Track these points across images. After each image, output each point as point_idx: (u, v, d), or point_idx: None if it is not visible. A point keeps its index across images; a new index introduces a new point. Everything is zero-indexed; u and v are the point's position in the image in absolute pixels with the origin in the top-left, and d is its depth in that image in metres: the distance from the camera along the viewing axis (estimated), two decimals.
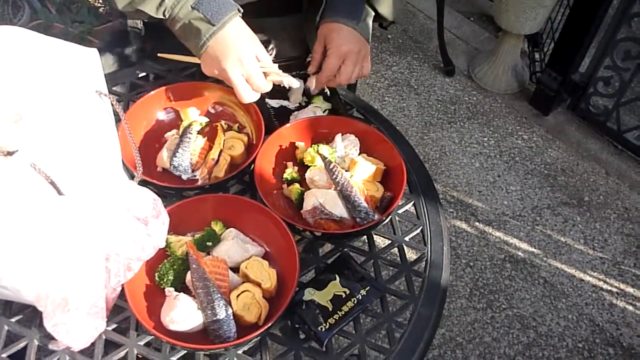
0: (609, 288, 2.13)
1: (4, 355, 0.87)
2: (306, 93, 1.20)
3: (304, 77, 1.18)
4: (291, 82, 1.07)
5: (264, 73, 1.04)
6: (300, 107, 1.20)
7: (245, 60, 1.00)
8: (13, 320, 0.91)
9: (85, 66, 0.87)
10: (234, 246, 0.95)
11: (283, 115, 1.18)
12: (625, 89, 2.38)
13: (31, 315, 0.91)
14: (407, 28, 3.11)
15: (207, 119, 1.15)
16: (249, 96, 1.04)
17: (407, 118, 2.68)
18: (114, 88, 1.25)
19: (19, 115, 0.88)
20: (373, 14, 1.18)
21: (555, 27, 2.59)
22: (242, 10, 1.03)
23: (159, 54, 1.13)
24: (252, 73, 1.01)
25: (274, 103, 1.20)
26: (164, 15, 1.02)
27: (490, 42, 2.97)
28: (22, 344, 0.88)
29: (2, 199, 0.72)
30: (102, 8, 2.25)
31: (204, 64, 1.05)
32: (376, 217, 0.98)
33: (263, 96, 1.09)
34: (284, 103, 1.21)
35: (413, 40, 3.06)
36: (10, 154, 0.77)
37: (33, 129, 0.85)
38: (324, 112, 1.18)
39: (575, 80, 2.54)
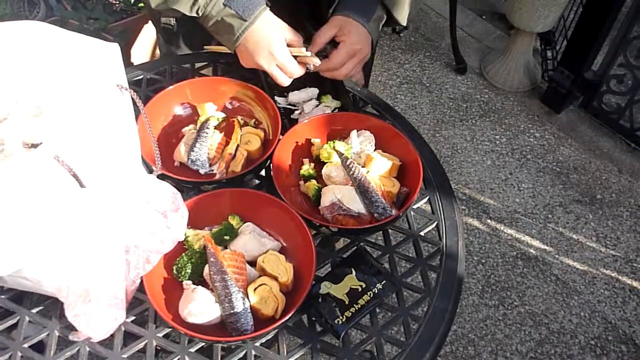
0: (622, 285, 2.12)
1: (25, 346, 0.88)
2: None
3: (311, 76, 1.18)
4: (315, 62, 1.12)
5: (296, 57, 1.10)
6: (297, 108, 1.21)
7: (276, 52, 1.07)
8: (34, 311, 0.92)
9: (106, 60, 0.88)
10: (251, 240, 0.95)
11: (291, 114, 1.20)
12: (638, 86, 2.37)
13: (51, 307, 0.92)
14: (419, 26, 3.11)
15: (224, 115, 1.16)
16: (286, 80, 1.12)
17: (419, 116, 2.68)
18: (131, 83, 1.26)
19: (41, 108, 0.89)
20: (385, 18, 1.18)
21: (568, 25, 2.58)
22: (269, 4, 1.07)
23: (205, 46, 1.21)
24: (284, 63, 1.08)
25: (282, 102, 1.21)
26: (197, 13, 1.06)
27: (502, 40, 2.96)
28: (43, 335, 0.90)
29: (25, 190, 0.73)
30: (117, 5, 2.27)
31: (241, 58, 1.12)
32: (393, 212, 0.99)
33: (272, 94, 1.16)
34: (292, 102, 1.21)
35: (425, 38, 3.05)
36: (34, 146, 0.78)
37: (56, 122, 0.86)
38: (333, 110, 1.19)
39: (588, 78, 2.53)
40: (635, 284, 2.13)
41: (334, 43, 1.14)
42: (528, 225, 2.29)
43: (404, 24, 1.20)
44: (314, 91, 1.21)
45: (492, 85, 2.82)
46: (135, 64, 1.66)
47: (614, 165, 2.50)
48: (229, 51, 1.13)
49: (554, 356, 1.94)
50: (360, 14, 1.12)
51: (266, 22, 1.07)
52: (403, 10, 1.16)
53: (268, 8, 1.07)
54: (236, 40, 1.07)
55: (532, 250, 2.22)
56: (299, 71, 1.11)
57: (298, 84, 1.17)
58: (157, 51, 1.90)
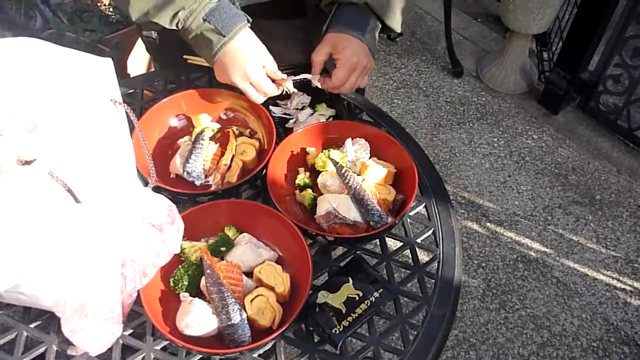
0: (623, 286, 2.12)
1: None
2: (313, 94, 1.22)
3: (305, 85, 1.19)
4: (289, 88, 1.13)
5: (271, 78, 1.10)
6: (291, 115, 1.21)
7: (250, 72, 1.06)
8: (32, 326, 0.92)
9: (100, 75, 0.89)
10: (247, 251, 0.96)
11: (286, 123, 1.20)
12: (635, 86, 2.37)
13: (49, 321, 0.92)
14: (415, 30, 3.12)
15: (219, 125, 1.16)
16: (259, 98, 1.11)
17: (416, 120, 2.69)
18: (125, 96, 1.26)
19: (35, 124, 0.90)
20: (380, 26, 1.18)
21: (563, 26, 2.58)
22: (250, 21, 1.07)
23: (184, 56, 1.20)
24: (257, 82, 1.08)
25: (277, 111, 1.21)
26: (177, 26, 1.06)
27: (498, 43, 2.96)
28: (41, 350, 0.90)
29: (20, 206, 0.73)
30: (113, 17, 2.27)
31: (217, 73, 1.10)
32: (389, 220, 0.99)
33: (267, 104, 1.15)
34: (287, 111, 1.22)
35: (421, 42, 3.06)
36: (28, 162, 0.79)
37: (49, 137, 0.86)
38: (328, 119, 1.19)
39: (585, 79, 2.53)
40: (636, 284, 2.13)
41: (332, 61, 1.14)
42: (528, 227, 2.29)
43: (399, 31, 1.20)
44: (306, 98, 1.21)
45: (489, 88, 2.82)
46: (131, 75, 1.67)
47: (613, 166, 2.50)
48: (206, 64, 1.13)
49: (556, 359, 1.94)
50: (354, 27, 1.12)
51: (244, 39, 1.06)
52: (395, 17, 1.16)
53: (248, 25, 1.07)
54: (214, 55, 1.06)
55: (532, 253, 2.22)
56: (273, 91, 1.10)
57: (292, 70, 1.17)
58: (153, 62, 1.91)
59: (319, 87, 1.15)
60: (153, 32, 1.32)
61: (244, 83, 1.08)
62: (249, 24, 1.07)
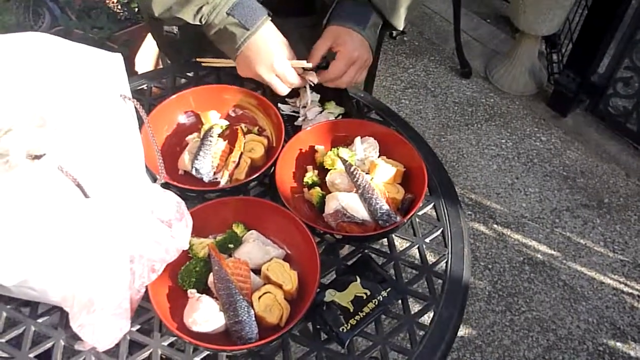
0: (630, 291, 2.11)
1: (31, 356, 0.89)
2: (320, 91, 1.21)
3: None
4: (312, 80, 1.14)
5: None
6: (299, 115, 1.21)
7: (277, 64, 1.08)
8: (39, 321, 0.92)
9: (110, 70, 0.89)
10: (255, 248, 0.95)
11: (294, 121, 1.20)
12: None
13: (57, 317, 0.92)
14: (423, 30, 3.11)
15: (227, 122, 1.16)
16: (284, 89, 1.12)
17: (424, 120, 2.68)
18: (134, 92, 1.26)
19: (45, 119, 0.90)
20: (381, 23, 1.18)
21: (574, 28, 2.57)
22: (271, 15, 1.09)
23: (197, 59, 1.21)
24: (283, 73, 1.09)
25: (285, 109, 1.21)
26: (200, 21, 1.07)
27: (507, 44, 2.95)
28: (48, 345, 0.90)
29: (30, 201, 0.73)
30: (121, 14, 2.28)
31: (239, 67, 1.12)
32: (398, 219, 0.98)
33: (276, 101, 1.16)
34: (295, 109, 1.21)
35: (429, 42, 3.05)
36: (37, 157, 0.79)
37: (59, 132, 0.86)
38: (337, 117, 1.19)
39: (594, 81, 2.52)
40: None
41: (332, 55, 1.14)
42: (535, 230, 2.28)
43: (401, 29, 1.20)
44: (315, 96, 1.21)
45: (498, 89, 2.81)
46: (139, 72, 1.67)
47: (622, 169, 2.48)
48: (222, 65, 1.15)
49: None
50: (355, 22, 1.12)
51: (268, 32, 1.08)
52: (398, 14, 1.16)
53: (270, 19, 1.09)
54: (237, 49, 1.07)
55: (539, 256, 2.20)
56: (298, 81, 1.12)
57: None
58: (162, 59, 1.91)
59: (314, 83, 1.15)
60: (175, 27, 1.32)
61: (270, 75, 1.09)
62: (270, 18, 1.08)
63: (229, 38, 1.07)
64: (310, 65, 1.11)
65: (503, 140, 2.60)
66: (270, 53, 1.07)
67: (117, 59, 0.90)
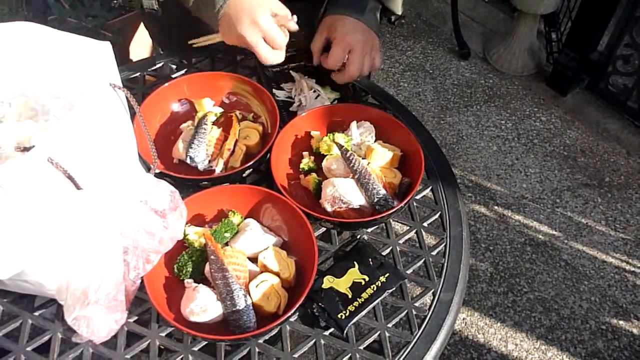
0: (632, 269, 2.10)
1: (29, 349, 0.88)
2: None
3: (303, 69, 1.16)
4: (292, 26, 1.05)
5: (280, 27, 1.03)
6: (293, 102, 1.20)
7: (259, 19, 0.99)
8: (37, 314, 0.92)
9: (99, 59, 0.87)
10: (251, 236, 0.94)
11: (290, 107, 1.18)
12: None
13: (54, 309, 0.92)
14: (421, 12, 3.08)
15: (221, 110, 1.15)
16: (271, 57, 1.03)
17: (423, 103, 2.66)
18: (127, 81, 1.25)
19: (35, 110, 0.88)
20: (380, 7, 1.16)
21: (572, 6, 2.54)
22: None
23: (189, 42, 1.15)
24: (267, 29, 1.00)
25: (280, 95, 1.19)
26: None
27: (505, 24, 2.92)
28: (46, 337, 0.89)
29: (21, 194, 0.72)
30: (114, 2, 2.25)
31: (223, 33, 1.05)
32: (395, 203, 0.97)
33: (270, 89, 1.12)
34: (290, 95, 1.20)
35: (427, 24, 3.02)
36: (27, 149, 0.78)
37: (49, 124, 0.85)
38: (332, 102, 1.17)
39: (594, 60, 2.49)
40: None
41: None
42: (536, 210, 2.27)
43: (399, 13, 1.18)
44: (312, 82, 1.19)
45: (497, 70, 2.79)
46: (134, 60, 1.65)
47: (622, 148, 2.47)
48: (212, 41, 1.09)
49: (565, 342, 1.93)
50: (352, 10, 1.10)
51: None
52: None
53: None
54: (217, 12, 1.01)
55: (540, 236, 2.20)
56: (284, 40, 1.03)
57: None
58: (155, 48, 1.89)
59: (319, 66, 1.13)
60: (154, 2, 1.26)
61: (255, 34, 0.99)
62: None
63: (208, 3, 1.02)
64: (296, 27, 1.04)
65: (503, 121, 2.58)
66: (251, 8, 0.99)
67: (106, 47, 0.88)
